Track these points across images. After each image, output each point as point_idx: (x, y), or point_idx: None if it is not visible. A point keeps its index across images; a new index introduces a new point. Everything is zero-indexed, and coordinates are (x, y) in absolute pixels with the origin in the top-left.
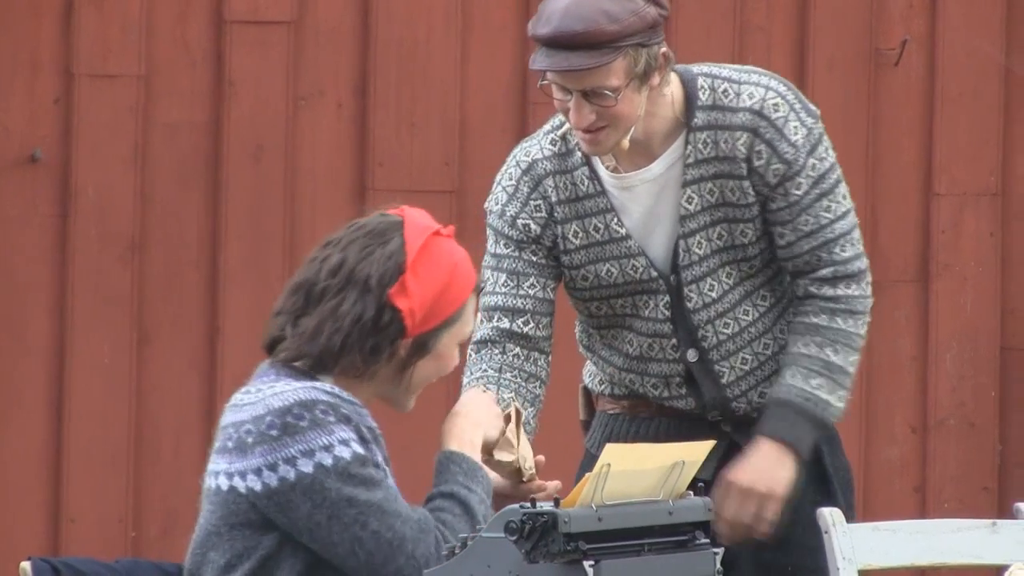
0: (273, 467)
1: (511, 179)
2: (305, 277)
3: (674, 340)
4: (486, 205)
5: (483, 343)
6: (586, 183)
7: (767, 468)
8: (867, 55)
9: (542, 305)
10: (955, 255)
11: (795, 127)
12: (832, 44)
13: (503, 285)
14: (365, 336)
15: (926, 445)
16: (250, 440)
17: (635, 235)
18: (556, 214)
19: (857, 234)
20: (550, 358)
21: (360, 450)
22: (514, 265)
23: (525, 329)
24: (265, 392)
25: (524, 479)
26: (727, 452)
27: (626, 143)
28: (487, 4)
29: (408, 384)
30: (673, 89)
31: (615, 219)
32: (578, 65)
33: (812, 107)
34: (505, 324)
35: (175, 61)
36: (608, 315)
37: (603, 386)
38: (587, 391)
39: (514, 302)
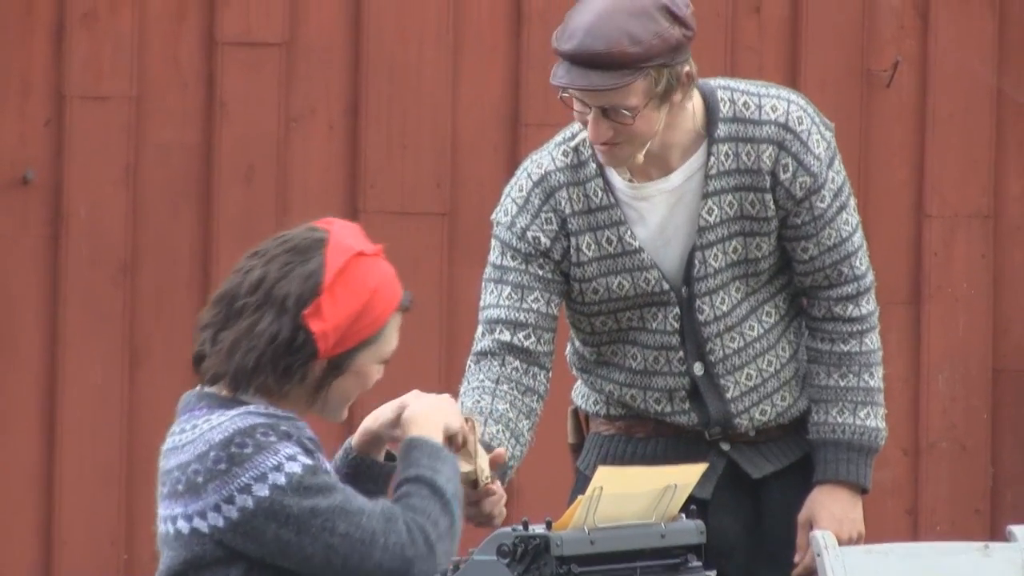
0: (230, 500)
1: (521, 191)
2: (227, 289)
3: (681, 353)
4: (493, 216)
5: (483, 355)
6: (599, 194)
7: (846, 513)
8: (859, 76)
9: (545, 320)
10: (947, 277)
11: (817, 140)
12: (824, 65)
13: (507, 298)
14: (279, 357)
15: (918, 467)
16: (200, 479)
17: (648, 247)
18: (569, 225)
19: (866, 246)
20: (550, 374)
21: (309, 461)
22: (519, 278)
23: (526, 343)
24: (202, 427)
25: (478, 488)
26: (725, 471)
27: (640, 158)
28: (478, 24)
29: (325, 402)
30: (694, 102)
31: (628, 231)
32: (597, 85)
33: (828, 121)
34: (506, 337)
35: (167, 82)
36: (612, 330)
37: (598, 407)
38: (576, 413)
39: (517, 315)
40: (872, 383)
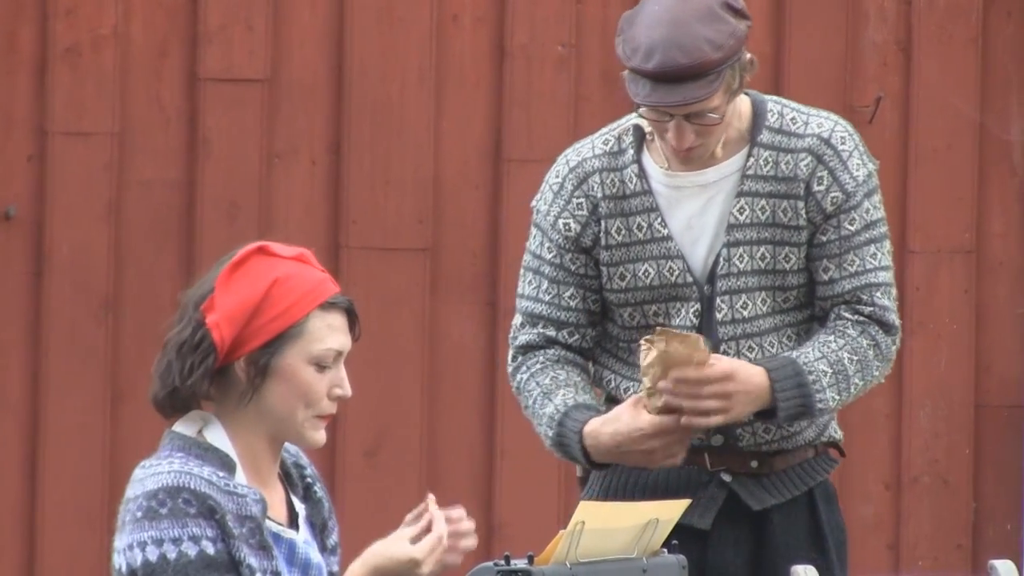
0: (131, 548)
1: (557, 176)
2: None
3: None
4: (533, 203)
5: (528, 347)
6: (634, 181)
7: (747, 394)
8: (841, 112)
9: (584, 316)
10: (929, 312)
11: (858, 163)
12: (805, 100)
13: (545, 292)
14: (184, 357)
15: (900, 502)
16: (127, 518)
17: (677, 237)
18: (600, 209)
19: (895, 293)
20: (591, 366)
21: (210, 551)
22: (555, 273)
23: (570, 340)
24: (149, 471)
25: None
26: (726, 503)
27: (719, 150)
28: (461, 61)
29: (272, 415)
30: (741, 103)
31: (659, 219)
32: (691, 98)
33: (873, 157)
34: (551, 333)
35: (149, 119)
36: (640, 326)
37: None
38: None
39: (558, 314)
40: (848, 366)
